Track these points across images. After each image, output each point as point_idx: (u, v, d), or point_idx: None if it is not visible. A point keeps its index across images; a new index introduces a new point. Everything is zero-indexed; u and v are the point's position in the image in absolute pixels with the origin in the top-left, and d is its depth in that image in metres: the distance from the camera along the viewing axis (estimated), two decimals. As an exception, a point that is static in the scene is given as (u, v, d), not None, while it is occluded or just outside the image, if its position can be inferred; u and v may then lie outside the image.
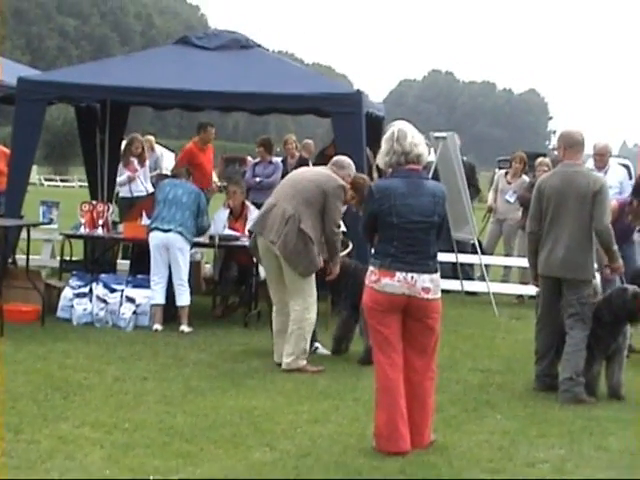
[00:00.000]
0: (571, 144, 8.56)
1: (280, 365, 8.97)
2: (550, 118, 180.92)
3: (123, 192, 13.37)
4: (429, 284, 6.51)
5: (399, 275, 6.46)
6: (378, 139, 12.58)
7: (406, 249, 6.50)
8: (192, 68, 12.42)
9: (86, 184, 14.90)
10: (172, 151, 40.08)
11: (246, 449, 6.33)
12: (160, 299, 10.68)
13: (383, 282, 6.47)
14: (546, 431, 7.15)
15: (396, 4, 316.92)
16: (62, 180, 61.72)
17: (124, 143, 14.10)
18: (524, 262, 13.71)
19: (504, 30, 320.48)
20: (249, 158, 16.75)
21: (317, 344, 9.81)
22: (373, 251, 6.80)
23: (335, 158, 9.81)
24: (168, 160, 29.89)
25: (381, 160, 6.69)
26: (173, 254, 10.63)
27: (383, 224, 6.58)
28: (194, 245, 11.17)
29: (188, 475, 5.72)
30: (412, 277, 6.47)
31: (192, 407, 7.36)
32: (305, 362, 9.01)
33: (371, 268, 6.58)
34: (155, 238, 10.63)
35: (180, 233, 10.59)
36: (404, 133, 6.59)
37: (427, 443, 6.58)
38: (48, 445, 6.15)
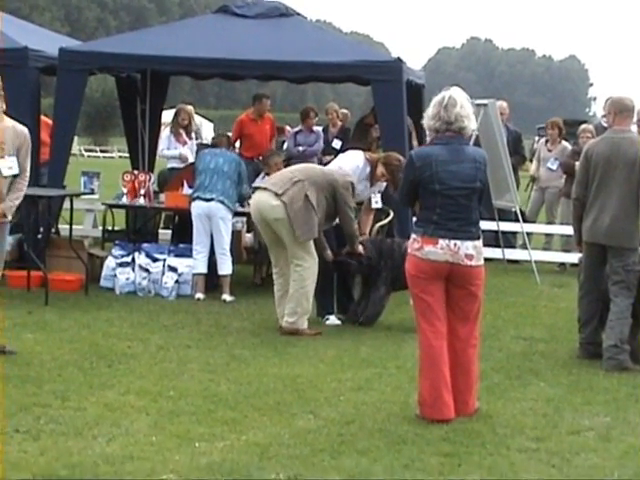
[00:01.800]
0: (620, 110, 8.46)
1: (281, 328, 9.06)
2: (591, 85, 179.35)
3: (173, 163, 13.33)
4: (472, 251, 6.49)
5: (442, 242, 6.43)
6: (419, 107, 12.64)
7: (449, 216, 6.47)
8: (231, 37, 12.41)
9: (126, 154, 15.01)
10: (210, 121, 40.27)
11: (290, 416, 6.36)
12: (202, 268, 10.73)
13: (426, 250, 6.44)
14: (590, 399, 7.12)
15: None
16: (102, 151, 62.18)
17: (170, 113, 14.13)
18: (566, 230, 13.70)
19: None
20: (287, 127, 16.65)
21: (330, 316, 9.83)
22: (415, 219, 6.77)
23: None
24: (207, 130, 30.02)
25: (426, 122, 6.64)
26: (215, 223, 10.67)
27: (425, 192, 6.54)
28: (235, 214, 11.19)
29: (233, 442, 5.75)
30: (455, 244, 6.44)
31: (235, 375, 7.41)
32: (306, 324, 9.05)
33: (413, 236, 6.54)
34: (198, 207, 10.67)
35: (222, 202, 10.63)
36: (454, 101, 6.51)
37: (471, 411, 6.57)
38: (94, 412, 6.21)
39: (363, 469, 5.37)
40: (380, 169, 9.76)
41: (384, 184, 10.08)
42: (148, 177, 11.73)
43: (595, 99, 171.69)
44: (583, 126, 14.69)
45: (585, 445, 6.05)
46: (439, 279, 6.51)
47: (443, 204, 6.49)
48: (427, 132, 6.74)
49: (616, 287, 8.30)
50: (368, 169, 9.91)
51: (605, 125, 14.29)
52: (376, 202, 10.19)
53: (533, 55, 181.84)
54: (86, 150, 59.69)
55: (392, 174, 9.71)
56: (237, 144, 13.75)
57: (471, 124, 6.63)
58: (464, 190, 6.51)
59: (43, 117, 12.64)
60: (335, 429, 6.12)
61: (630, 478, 5.50)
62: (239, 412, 6.39)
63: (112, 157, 58.64)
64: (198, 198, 10.68)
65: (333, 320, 9.77)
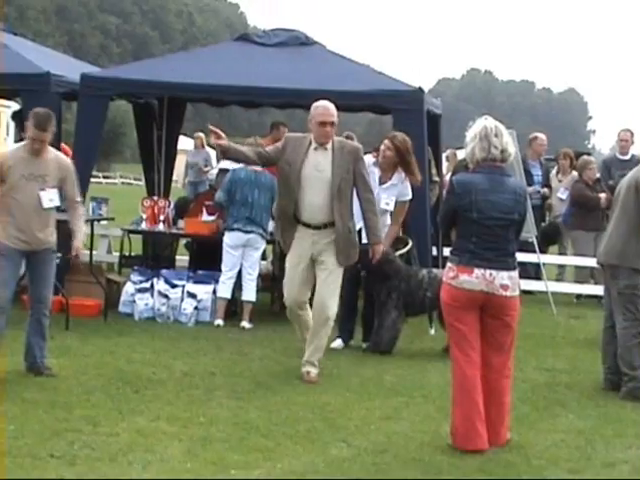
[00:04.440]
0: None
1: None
2: (590, 118, 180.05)
3: None
4: (507, 281, 6.48)
5: (477, 272, 6.42)
6: (436, 136, 12.66)
7: (485, 245, 6.48)
8: (251, 64, 12.46)
9: (128, 181, 15.06)
10: (213, 148, 40.42)
11: (322, 445, 6.32)
12: (227, 293, 10.79)
13: (461, 278, 6.44)
14: (621, 431, 7.08)
15: (434, 2, 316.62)
16: (105, 177, 62.25)
17: (187, 140, 14.19)
18: (580, 261, 13.72)
19: (543, 28, 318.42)
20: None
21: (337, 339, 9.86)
22: (451, 248, 6.77)
23: None
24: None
25: (475, 153, 6.64)
26: (249, 252, 10.86)
27: (463, 219, 6.55)
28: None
29: (269, 470, 5.72)
30: (490, 274, 6.44)
31: (263, 402, 7.38)
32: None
33: (449, 265, 6.54)
34: (236, 239, 10.81)
35: (261, 235, 10.87)
36: (496, 131, 6.56)
37: (503, 441, 6.54)
38: (127, 438, 6.18)
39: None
40: (386, 144, 9.89)
41: (395, 184, 10.06)
42: (167, 203, 11.75)
43: (594, 132, 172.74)
44: (586, 158, 15.13)
45: (621, 478, 6.02)
46: (474, 308, 6.50)
47: (480, 233, 6.50)
48: (469, 163, 6.76)
49: (615, 311, 8.45)
50: (376, 168, 9.95)
51: (620, 157, 14.44)
52: (387, 203, 10.00)
53: (533, 87, 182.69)
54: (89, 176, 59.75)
55: (400, 152, 9.85)
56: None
57: (513, 153, 6.67)
58: (502, 221, 6.52)
59: (63, 145, 12.63)
60: (369, 458, 6.09)
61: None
62: (271, 440, 6.36)
63: (115, 183, 58.73)
64: (238, 230, 10.78)
65: (338, 343, 9.83)
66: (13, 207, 7.61)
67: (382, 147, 9.93)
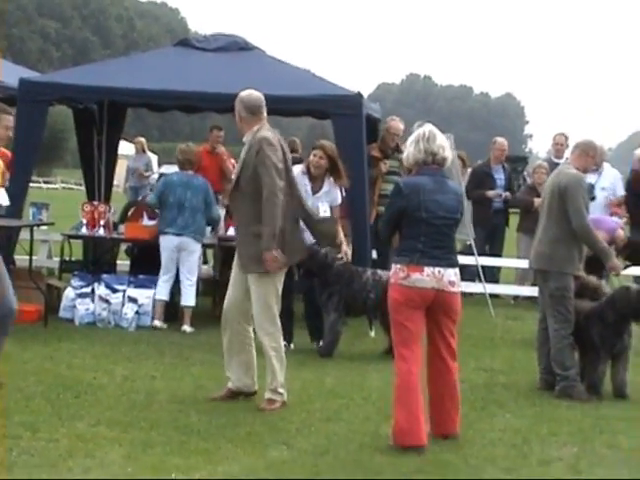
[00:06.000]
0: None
1: None
2: (527, 122, 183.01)
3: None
4: (454, 277, 6.74)
5: (428, 270, 6.63)
6: (376, 139, 12.80)
7: (433, 244, 6.71)
8: (191, 69, 12.54)
9: (70, 186, 15.01)
10: (155, 153, 40.33)
11: (263, 447, 6.37)
12: (165, 295, 10.89)
13: (413, 278, 6.63)
14: (556, 429, 7.24)
15: (373, 7, 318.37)
16: (45, 182, 61.72)
17: (127, 145, 14.16)
18: (522, 263, 13.95)
19: (481, 33, 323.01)
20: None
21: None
22: (397, 250, 6.93)
23: None
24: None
25: (410, 157, 6.87)
26: (185, 255, 10.92)
27: (410, 220, 6.76)
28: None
29: (210, 473, 5.76)
30: (439, 271, 6.66)
31: (204, 406, 7.41)
32: None
33: (398, 266, 6.72)
34: (169, 241, 10.89)
35: (193, 237, 10.91)
36: (434, 135, 6.79)
37: (457, 429, 6.82)
38: (67, 443, 6.17)
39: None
40: (318, 154, 10.00)
41: (327, 191, 10.20)
42: (107, 208, 11.75)
43: (531, 136, 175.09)
44: (538, 162, 15.41)
45: (555, 476, 6.16)
46: (423, 307, 6.74)
47: (428, 232, 6.72)
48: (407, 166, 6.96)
49: (547, 314, 8.70)
50: (307, 179, 10.04)
51: (555, 161, 14.69)
52: (325, 211, 10.12)
53: (471, 92, 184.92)
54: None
55: (331, 159, 10.00)
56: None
57: (450, 156, 6.96)
58: (447, 220, 6.76)
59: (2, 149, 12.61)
60: (310, 460, 6.15)
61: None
62: (212, 443, 6.39)
63: (56, 188, 58.26)
64: (169, 233, 10.81)
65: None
66: None
67: (313, 157, 10.11)
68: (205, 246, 12.09)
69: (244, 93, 7.96)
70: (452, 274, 6.77)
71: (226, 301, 7.98)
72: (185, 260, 10.90)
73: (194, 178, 11.06)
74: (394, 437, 6.56)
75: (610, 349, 8.59)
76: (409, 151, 6.87)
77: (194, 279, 10.96)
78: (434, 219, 6.73)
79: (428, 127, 6.93)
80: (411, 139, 6.89)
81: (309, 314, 10.38)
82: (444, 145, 6.84)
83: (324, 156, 9.94)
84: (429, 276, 6.67)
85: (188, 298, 10.84)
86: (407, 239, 6.81)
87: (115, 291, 10.89)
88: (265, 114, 7.83)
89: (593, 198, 12.74)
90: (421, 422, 6.56)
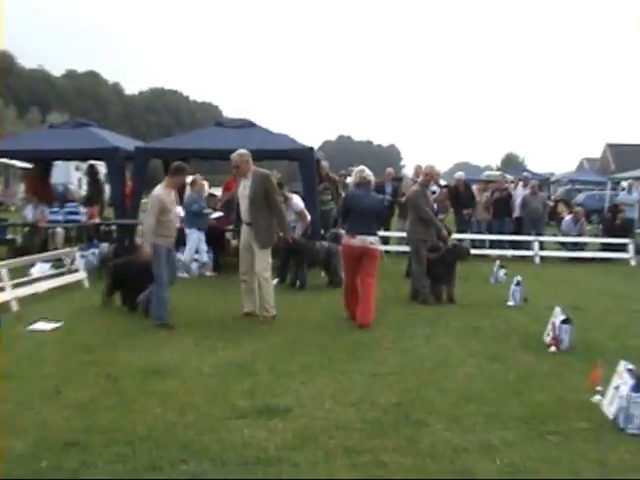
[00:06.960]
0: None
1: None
2: (402, 159, 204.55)
3: None
4: (373, 239, 10.26)
5: (359, 237, 10.16)
6: (318, 173, 18.00)
7: (361, 223, 10.22)
8: (218, 138, 17.42)
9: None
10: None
11: (264, 337, 9.59)
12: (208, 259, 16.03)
13: (352, 241, 10.17)
14: (417, 320, 11.05)
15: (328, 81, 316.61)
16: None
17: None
18: (398, 234, 19.25)
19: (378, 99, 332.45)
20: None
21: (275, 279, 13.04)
22: (346, 227, 10.60)
23: None
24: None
25: (353, 179, 10.37)
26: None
27: (351, 211, 10.21)
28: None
29: (234, 351, 8.65)
30: (365, 238, 10.15)
31: (232, 319, 10.84)
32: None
33: (345, 235, 10.36)
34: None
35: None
36: (363, 169, 10.41)
37: (371, 321, 10.26)
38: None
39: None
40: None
41: (297, 202, 14.46)
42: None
43: (405, 166, 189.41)
44: (407, 179, 21.20)
45: (418, 343, 9.42)
46: (355, 256, 10.24)
47: (359, 218, 10.18)
48: (350, 184, 10.59)
49: (412, 259, 12.88)
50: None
51: (415, 179, 19.20)
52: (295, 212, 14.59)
53: (372, 144, 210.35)
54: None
55: (332, 183, 14.62)
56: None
57: (372, 179, 10.44)
58: (369, 211, 10.23)
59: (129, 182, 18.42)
60: (294, 335, 9.58)
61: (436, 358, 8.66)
62: (235, 334, 9.56)
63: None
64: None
65: (276, 281, 13.67)
66: None
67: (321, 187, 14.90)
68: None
69: (242, 151, 10.92)
70: (372, 239, 10.09)
71: (241, 263, 11.14)
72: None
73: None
74: (346, 314, 10.38)
75: (444, 277, 12.84)
76: (353, 177, 10.26)
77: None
78: (362, 211, 9.99)
79: (361, 167, 10.52)
80: (354, 171, 10.34)
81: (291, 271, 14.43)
82: (369, 174, 10.21)
83: (330, 186, 14.28)
84: (358, 240, 10.08)
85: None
86: (349, 221, 10.25)
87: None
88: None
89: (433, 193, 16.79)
90: (352, 307, 10.23)
